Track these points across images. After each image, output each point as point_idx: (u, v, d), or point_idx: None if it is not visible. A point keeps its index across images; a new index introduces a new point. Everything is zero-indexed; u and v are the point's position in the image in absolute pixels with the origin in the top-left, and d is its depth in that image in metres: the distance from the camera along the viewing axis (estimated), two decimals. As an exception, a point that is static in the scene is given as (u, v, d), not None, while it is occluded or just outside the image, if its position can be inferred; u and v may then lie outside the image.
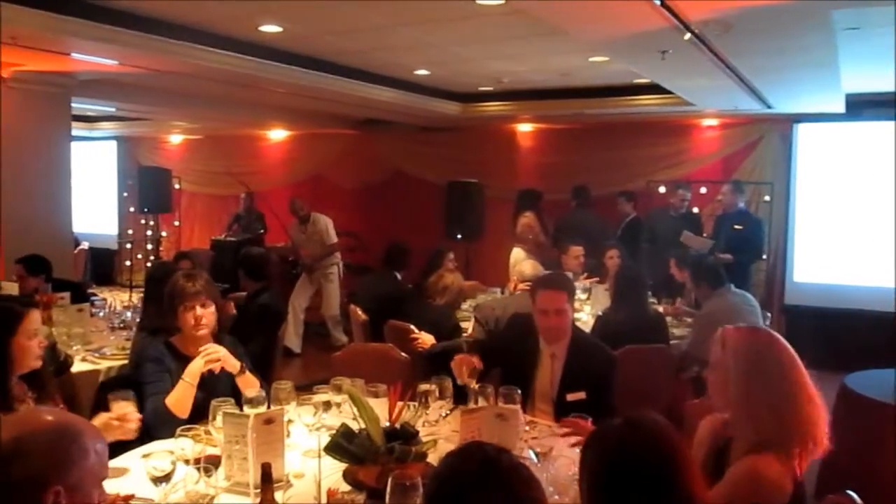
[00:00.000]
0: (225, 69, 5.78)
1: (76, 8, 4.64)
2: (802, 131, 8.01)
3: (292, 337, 7.61)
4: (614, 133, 8.76)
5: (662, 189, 8.43)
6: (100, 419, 2.56)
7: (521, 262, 5.50)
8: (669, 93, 6.84)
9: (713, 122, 8.47)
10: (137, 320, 4.94)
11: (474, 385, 3.10)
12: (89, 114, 10.18)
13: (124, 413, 2.61)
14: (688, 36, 4.16)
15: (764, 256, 7.71)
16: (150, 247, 11.30)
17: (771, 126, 8.11)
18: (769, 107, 7.09)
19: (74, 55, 5.61)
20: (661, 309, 5.48)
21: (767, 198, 8.08)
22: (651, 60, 4.92)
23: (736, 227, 7.05)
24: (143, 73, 6.19)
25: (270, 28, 5.27)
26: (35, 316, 2.71)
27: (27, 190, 6.39)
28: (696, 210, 7.83)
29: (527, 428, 2.88)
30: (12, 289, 4.79)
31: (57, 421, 1.53)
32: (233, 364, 3.13)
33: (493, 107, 8.29)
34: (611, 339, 3.82)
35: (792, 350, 2.10)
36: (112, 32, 4.89)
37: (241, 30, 5.43)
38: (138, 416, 2.67)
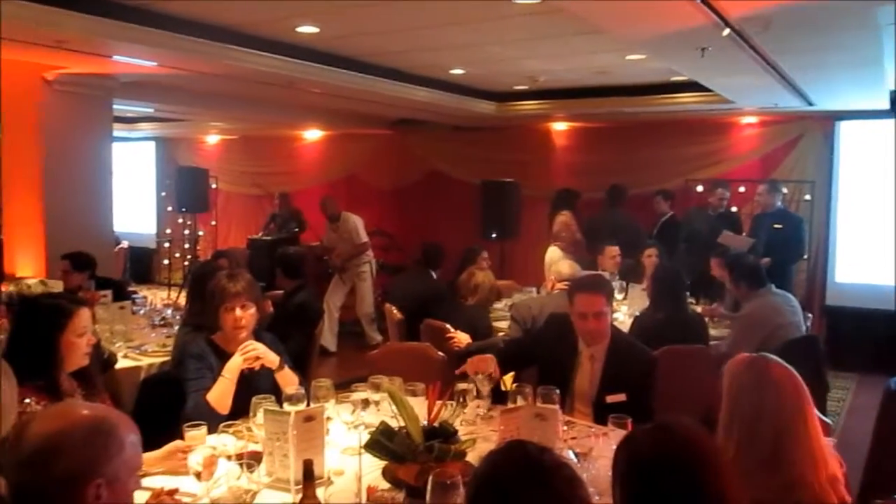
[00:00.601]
0: (262, 70, 5.84)
1: (118, 11, 4.72)
2: (845, 129, 7.86)
3: (327, 335, 7.66)
4: (651, 131, 8.67)
5: (700, 188, 8.33)
6: (174, 445, 2.58)
7: (559, 261, 5.46)
8: (708, 90, 6.75)
9: (752, 119, 8.34)
10: (177, 318, 5.05)
11: (486, 387, 3.07)
12: (129, 115, 10.35)
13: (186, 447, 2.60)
14: (727, 32, 4.11)
15: (805, 256, 7.58)
16: (187, 246, 11.46)
17: (812, 123, 7.96)
18: (810, 104, 6.96)
19: (116, 58, 5.71)
20: (699, 309, 5.41)
21: (808, 196, 7.93)
22: (690, 58, 4.86)
23: (776, 226, 6.93)
24: (182, 74, 6.28)
25: (307, 29, 5.31)
26: (84, 314, 2.76)
27: (70, 189, 6.52)
28: (734, 209, 7.71)
29: (565, 428, 2.87)
30: (58, 286, 4.90)
31: (93, 415, 1.56)
32: (271, 360, 3.17)
33: (529, 106, 8.25)
34: (649, 339, 3.77)
35: (795, 386, 2.00)
36: (153, 35, 4.96)
37: (278, 31, 5.48)
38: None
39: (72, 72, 6.26)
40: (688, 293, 5.27)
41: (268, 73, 6.01)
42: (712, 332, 5.00)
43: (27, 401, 2.44)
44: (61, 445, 1.49)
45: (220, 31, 5.32)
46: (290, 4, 4.71)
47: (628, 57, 5.93)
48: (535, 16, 4.79)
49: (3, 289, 5.30)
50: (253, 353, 3.11)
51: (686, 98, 7.33)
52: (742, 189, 8.12)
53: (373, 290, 8.38)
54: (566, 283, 4.69)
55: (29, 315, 2.84)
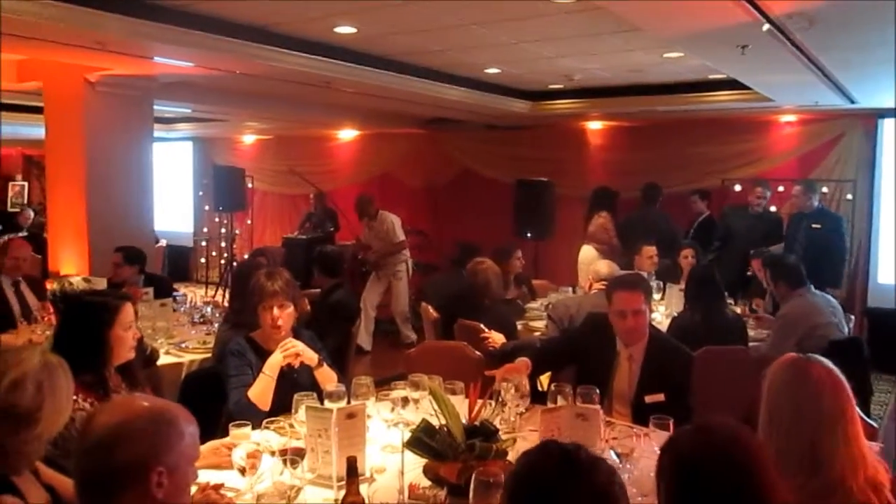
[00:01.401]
0: (300, 70, 5.90)
1: (158, 13, 4.80)
2: (888, 127, 7.70)
3: (363, 334, 7.70)
4: (687, 130, 8.58)
5: (738, 187, 8.22)
6: (219, 442, 2.63)
7: (596, 261, 5.43)
8: (746, 88, 6.66)
9: (791, 118, 8.21)
10: (217, 315, 5.12)
11: (510, 392, 3.06)
12: (167, 115, 10.51)
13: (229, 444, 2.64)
14: (767, 27, 4.05)
15: (846, 257, 7.44)
16: (223, 244, 11.61)
17: (854, 121, 7.81)
18: (852, 102, 6.84)
19: (156, 59, 5.81)
20: (738, 310, 5.35)
21: (850, 196, 7.79)
22: (730, 56, 4.81)
23: (814, 225, 6.82)
24: (219, 75, 6.36)
25: (345, 29, 5.35)
26: (129, 308, 2.82)
27: (113, 189, 6.64)
28: (773, 209, 7.60)
29: (605, 428, 2.85)
30: (101, 283, 4.99)
31: (153, 406, 1.61)
32: (310, 357, 3.20)
33: (564, 104, 8.21)
34: (686, 340, 3.73)
35: (835, 386, 1.96)
36: (192, 36, 5.04)
37: (316, 31, 5.52)
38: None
39: (114, 73, 6.37)
40: (726, 294, 5.21)
41: (305, 74, 6.07)
42: (751, 333, 4.94)
43: (74, 398, 2.50)
44: (124, 434, 1.54)
45: (258, 31, 5.39)
46: (328, 5, 4.75)
47: (665, 55, 5.89)
48: (572, 14, 4.77)
49: (49, 286, 5.43)
50: (293, 350, 3.15)
51: (724, 96, 7.24)
52: (781, 188, 8.01)
53: (408, 289, 8.41)
54: (604, 282, 4.67)
55: (77, 312, 2.90)
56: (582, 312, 4.27)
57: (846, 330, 4.89)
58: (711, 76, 6.83)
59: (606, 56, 6.14)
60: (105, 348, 2.70)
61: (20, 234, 9.05)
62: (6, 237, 5.78)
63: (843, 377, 1.99)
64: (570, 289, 6.41)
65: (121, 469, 1.52)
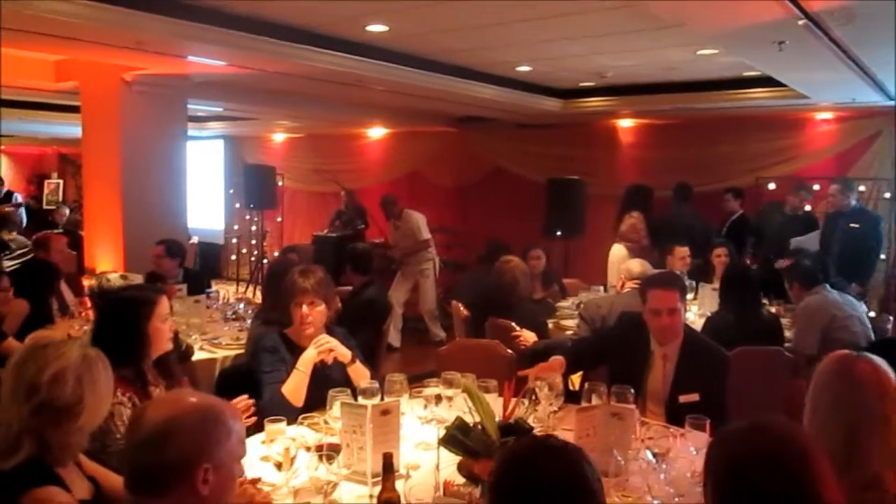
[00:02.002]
0: (331, 69, 5.92)
1: (194, 13, 4.84)
2: (928, 124, 7.54)
3: (392, 331, 7.71)
4: (721, 128, 8.47)
5: (772, 185, 8.11)
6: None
7: (628, 259, 5.39)
8: (782, 85, 6.58)
9: (828, 115, 8.07)
10: (249, 312, 5.17)
11: (544, 391, 3.04)
12: (200, 114, 10.62)
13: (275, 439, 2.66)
14: (804, 22, 3.99)
15: (882, 256, 7.30)
16: (254, 242, 11.71)
17: (892, 119, 7.64)
18: (891, 98, 6.72)
19: (190, 58, 5.87)
20: (772, 309, 5.28)
21: (887, 194, 7.64)
22: (766, 52, 4.74)
23: (851, 225, 6.70)
24: (252, 73, 6.40)
25: (377, 28, 5.36)
26: (166, 301, 2.87)
27: (148, 187, 6.73)
28: (808, 208, 7.48)
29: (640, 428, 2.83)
30: (137, 279, 5.07)
31: (201, 403, 1.62)
32: (343, 354, 3.22)
33: (595, 102, 8.16)
34: (721, 340, 3.68)
35: (880, 383, 1.93)
36: (227, 35, 5.08)
37: (348, 30, 5.54)
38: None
39: (149, 73, 6.46)
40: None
41: (337, 72, 6.09)
42: (788, 333, 4.87)
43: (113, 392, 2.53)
44: (173, 430, 1.56)
45: (291, 30, 5.41)
46: (361, 4, 4.76)
47: (700, 52, 5.82)
48: (606, 11, 4.73)
49: (85, 282, 5.52)
50: (326, 345, 3.16)
51: (759, 94, 7.15)
52: (817, 187, 7.88)
53: (436, 287, 8.42)
54: (636, 281, 4.63)
55: (115, 306, 2.95)
56: (614, 312, 4.25)
57: (870, 327, 4.81)
58: (746, 73, 6.74)
59: (640, 53, 6.09)
60: (143, 341, 2.74)
61: (56, 231, 9.21)
62: (44, 233, 5.89)
63: (892, 376, 1.96)
64: (601, 288, 6.38)
65: (168, 465, 1.54)
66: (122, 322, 2.76)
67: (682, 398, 3.18)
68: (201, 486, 1.55)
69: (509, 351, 4.15)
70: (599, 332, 4.22)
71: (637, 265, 4.77)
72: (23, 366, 1.95)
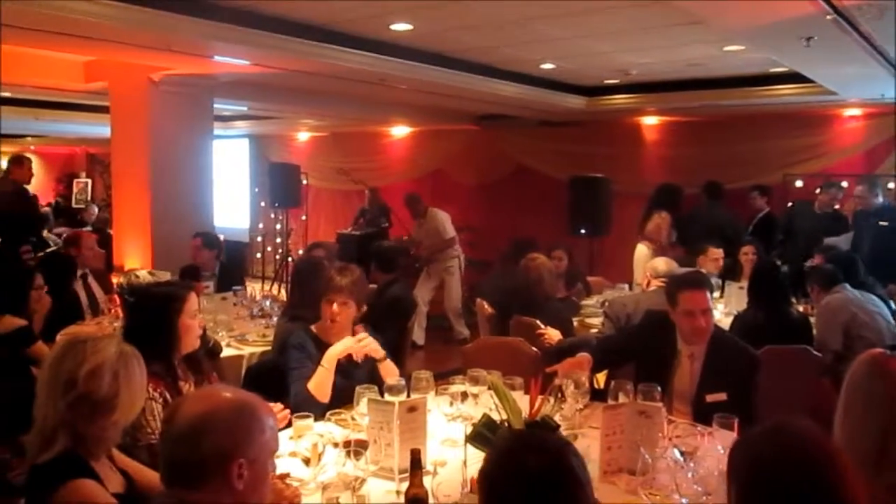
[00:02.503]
0: (356, 68, 5.95)
1: (221, 13, 4.89)
2: (959, 120, 7.41)
3: (416, 329, 7.74)
4: (747, 125, 8.40)
5: (799, 183, 8.02)
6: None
7: (653, 258, 5.36)
8: (809, 81, 6.50)
9: (856, 111, 7.97)
10: (275, 309, 5.21)
11: (570, 388, 3.03)
12: (225, 113, 10.72)
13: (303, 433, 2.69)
14: (832, 17, 3.94)
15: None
16: (278, 240, 11.79)
17: (922, 115, 7.55)
18: (922, 94, 6.61)
19: (217, 58, 5.93)
20: (801, 308, 5.22)
21: (918, 191, 7.53)
22: (794, 48, 4.70)
23: (881, 223, 6.60)
24: (277, 73, 6.45)
25: (401, 26, 5.38)
26: (195, 297, 2.91)
27: (175, 185, 6.80)
28: (837, 206, 7.38)
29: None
30: (165, 276, 5.13)
31: (236, 398, 1.64)
32: (376, 349, 3.25)
33: (619, 100, 8.12)
34: (750, 339, 3.66)
35: None
36: (253, 35, 5.12)
37: (372, 29, 5.56)
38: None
39: (176, 73, 6.52)
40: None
41: (361, 71, 6.12)
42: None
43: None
44: (209, 425, 1.58)
45: (316, 30, 5.44)
46: (385, 3, 4.78)
47: (726, 48, 5.77)
48: (631, 8, 4.71)
49: (115, 280, 5.60)
50: (365, 340, 3.20)
51: (785, 90, 7.08)
52: (845, 184, 7.78)
53: (461, 285, 8.44)
54: (662, 279, 4.61)
55: (146, 301, 3.00)
56: (639, 310, 4.22)
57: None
58: (773, 70, 6.67)
59: (665, 50, 6.05)
60: (173, 336, 2.78)
61: (86, 229, 9.34)
62: (75, 231, 5.99)
63: None
64: (626, 286, 6.35)
65: (204, 459, 1.56)
66: (153, 318, 2.80)
67: (710, 397, 3.15)
68: (236, 480, 1.56)
69: (534, 349, 4.15)
70: (625, 331, 4.19)
71: (662, 263, 4.74)
72: (61, 360, 1.99)
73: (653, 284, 4.63)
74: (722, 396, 3.14)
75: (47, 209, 11.52)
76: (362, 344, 3.21)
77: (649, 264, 4.90)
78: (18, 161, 7.42)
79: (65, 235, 6.26)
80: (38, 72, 6.87)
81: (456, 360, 6.66)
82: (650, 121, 9.25)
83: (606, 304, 4.97)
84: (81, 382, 1.94)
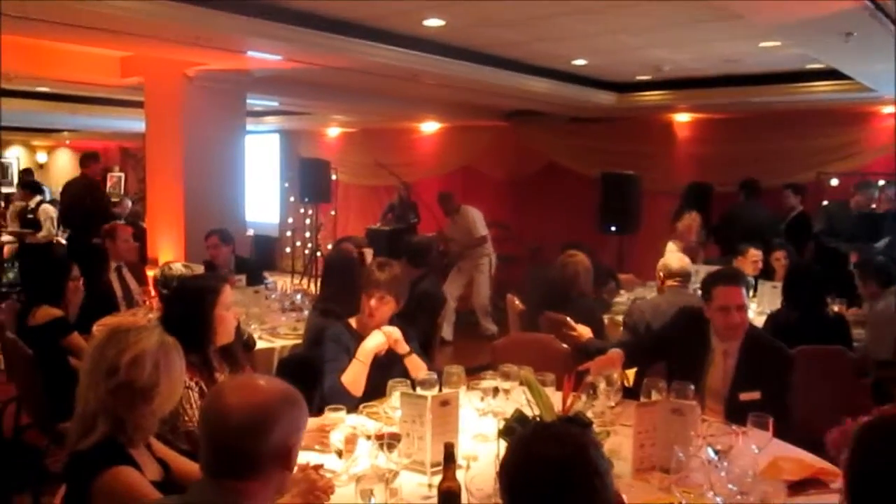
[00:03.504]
0: (388, 64, 5.97)
1: (256, 9, 4.94)
2: None
3: (445, 325, 7.75)
4: (780, 122, 8.28)
5: (835, 181, 7.89)
6: (319, 422, 2.71)
7: (667, 255, 5.28)
8: (846, 78, 6.39)
9: (892, 109, 7.81)
10: (306, 302, 5.25)
11: (601, 385, 3.02)
12: (256, 109, 10.82)
13: (330, 424, 2.71)
14: (873, 11, 3.88)
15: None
16: (308, 234, 11.87)
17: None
18: (962, 92, 6.48)
19: (250, 53, 5.98)
20: (836, 308, 5.14)
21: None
22: (833, 44, 4.63)
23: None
24: (309, 68, 6.49)
25: (434, 22, 5.38)
26: (229, 289, 2.95)
27: (208, 180, 6.89)
28: (873, 206, 7.26)
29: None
30: (199, 269, 5.18)
31: (285, 389, 1.68)
32: (402, 347, 3.26)
33: (651, 96, 8.05)
34: (784, 339, 3.61)
35: None
36: (287, 31, 5.16)
37: (405, 25, 5.57)
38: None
39: (210, 68, 6.60)
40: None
41: (393, 67, 6.14)
42: (856, 331, 4.73)
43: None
44: (273, 417, 1.60)
45: (349, 25, 5.47)
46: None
47: (762, 44, 5.70)
48: (665, 2, 4.67)
49: (149, 272, 5.68)
50: (394, 335, 3.22)
51: (821, 87, 6.96)
52: (882, 183, 7.64)
53: (490, 282, 8.44)
54: (677, 279, 4.58)
55: (182, 293, 3.04)
56: (658, 315, 4.20)
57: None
58: (809, 66, 6.57)
59: (699, 46, 5.99)
60: (209, 328, 2.82)
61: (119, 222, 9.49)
62: (111, 223, 6.08)
63: None
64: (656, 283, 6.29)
65: (269, 451, 1.58)
66: (188, 309, 2.84)
67: (743, 396, 3.12)
68: (283, 470, 1.60)
69: (564, 345, 4.13)
70: (658, 328, 4.15)
71: (676, 261, 4.67)
72: (104, 348, 2.02)
73: (667, 284, 4.58)
74: (756, 395, 3.10)
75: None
76: (390, 334, 3.22)
77: (661, 262, 4.81)
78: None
79: (102, 228, 6.34)
80: (75, 67, 6.99)
81: (484, 356, 6.67)
82: (682, 117, 9.16)
83: (626, 312, 4.89)
84: (123, 370, 1.98)
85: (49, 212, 9.52)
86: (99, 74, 7.19)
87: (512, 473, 1.52)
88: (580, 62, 6.90)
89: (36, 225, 9.53)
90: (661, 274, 4.73)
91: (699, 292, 4.91)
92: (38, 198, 10.00)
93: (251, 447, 1.60)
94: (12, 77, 7.84)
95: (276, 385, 1.68)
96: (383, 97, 8.74)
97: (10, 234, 9.81)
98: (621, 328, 4.82)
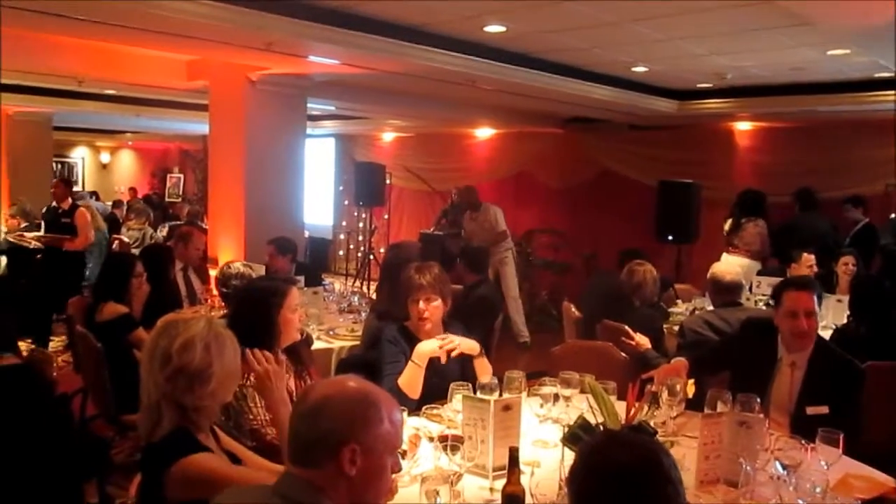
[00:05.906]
0: (447, 69, 5.99)
1: (319, 14, 5.01)
2: None
3: (517, 319, 7.79)
4: (847, 132, 8.05)
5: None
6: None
7: (751, 268, 5.19)
8: (917, 87, 6.21)
9: (966, 119, 7.55)
10: (363, 304, 5.31)
11: (664, 395, 2.97)
12: (313, 113, 10.97)
13: None
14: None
15: None
16: (361, 238, 11.99)
17: None
18: None
19: (311, 58, 6.07)
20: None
21: None
22: (906, 52, 4.50)
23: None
24: (368, 73, 6.55)
25: (495, 28, 5.39)
26: (296, 292, 3.00)
27: (269, 182, 6.99)
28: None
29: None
30: (260, 270, 5.29)
31: (359, 388, 1.69)
32: (471, 347, 3.28)
33: (713, 104, 7.91)
34: (851, 353, 3.51)
35: None
36: (347, 35, 5.22)
37: (465, 30, 5.59)
38: None
39: (273, 72, 6.71)
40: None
41: (452, 72, 6.16)
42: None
43: (245, 375, 2.66)
44: (328, 405, 1.63)
45: (410, 30, 5.51)
46: (480, 4, 4.80)
47: (830, 52, 5.56)
48: (730, 9, 4.59)
49: (211, 272, 5.80)
50: (451, 345, 3.22)
51: (891, 96, 6.75)
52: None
53: (516, 274, 8.48)
54: (727, 296, 4.49)
55: (249, 294, 3.10)
56: (715, 333, 4.14)
57: None
58: (878, 74, 6.38)
59: (764, 53, 5.87)
60: (274, 329, 2.87)
61: (181, 224, 9.72)
62: (188, 227, 6.21)
63: None
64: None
65: (320, 438, 1.61)
66: (255, 310, 2.90)
67: (811, 410, 3.05)
68: (348, 465, 1.60)
69: (623, 354, 4.10)
70: (724, 338, 4.08)
71: (728, 275, 4.57)
72: (157, 339, 2.10)
73: (718, 303, 4.50)
74: (824, 409, 3.03)
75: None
76: (450, 346, 3.22)
77: (709, 276, 4.69)
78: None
79: (178, 230, 6.50)
80: (143, 71, 7.19)
81: (521, 362, 6.67)
82: (743, 126, 8.98)
83: (678, 331, 4.80)
84: (175, 356, 2.04)
85: (87, 217, 7.88)
86: (166, 78, 7.37)
87: (583, 480, 1.51)
88: (641, 69, 6.82)
89: (70, 229, 7.72)
90: (712, 287, 4.64)
91: (757, 303, 4.84)
92: (75, 200, 8.22)
93: (306, 431, 1.63)
94: (82, 80, 8.12)
95: (359, 384, 1.71)
96: (439, 102, 8.78)
97: (38, 239, 8.12)
98: (677, 339, 4.74)
